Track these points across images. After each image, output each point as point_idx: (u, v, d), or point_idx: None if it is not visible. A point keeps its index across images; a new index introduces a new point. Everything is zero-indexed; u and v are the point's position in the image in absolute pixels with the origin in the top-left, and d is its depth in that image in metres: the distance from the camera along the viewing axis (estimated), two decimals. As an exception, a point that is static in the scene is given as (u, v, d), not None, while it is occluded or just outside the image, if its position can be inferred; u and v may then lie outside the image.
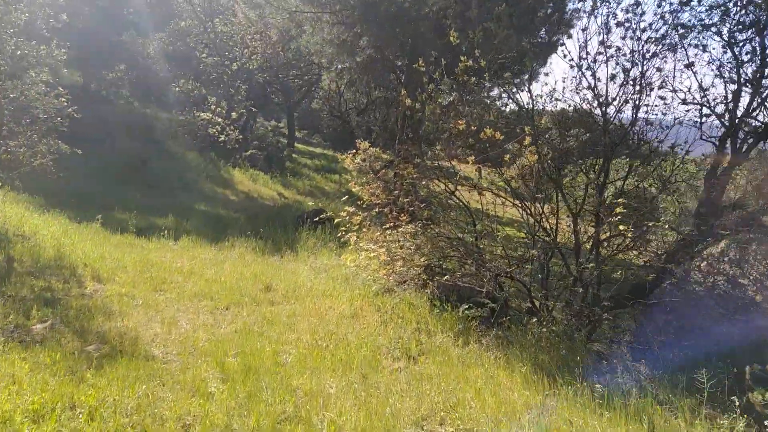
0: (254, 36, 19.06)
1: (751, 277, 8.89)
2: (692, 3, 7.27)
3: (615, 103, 6.54)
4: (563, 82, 6.79)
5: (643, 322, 6.82)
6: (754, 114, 7.57)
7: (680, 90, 7.19)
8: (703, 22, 7.29)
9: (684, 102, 7.38)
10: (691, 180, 7.69)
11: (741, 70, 7.51)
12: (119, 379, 3.85)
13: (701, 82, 7.38)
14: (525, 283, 6.46)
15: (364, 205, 7.81)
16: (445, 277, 6.41)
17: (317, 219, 10.76)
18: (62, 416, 3.28)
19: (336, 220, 8.46)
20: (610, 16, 6.32)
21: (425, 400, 4.00)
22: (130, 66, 20.63)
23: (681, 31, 6.82)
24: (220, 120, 18.92)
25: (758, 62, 7.45)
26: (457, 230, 7.06)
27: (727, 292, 8.77)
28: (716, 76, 7.56)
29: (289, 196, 18.12)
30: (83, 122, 12.06)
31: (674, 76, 6.71)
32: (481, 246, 6.87)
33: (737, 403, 3.77)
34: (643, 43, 6.30)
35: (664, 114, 6.85)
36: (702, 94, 7.45)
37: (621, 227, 5.96)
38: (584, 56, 6.52)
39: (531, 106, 6.59)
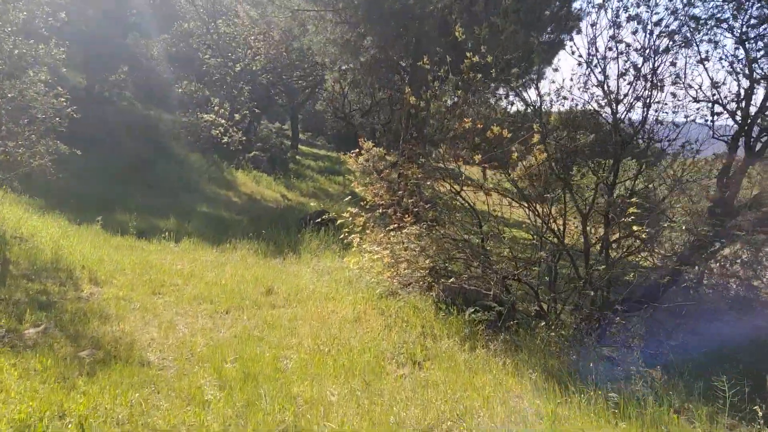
0: (257, 37, 18.98)
1: (765, 279, 8.68)
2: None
3: (625, 100, 6.38)
4: (571, 80, 6.64)
5: (654, 326, 6.63)
6: (768, 112, 7.39)
7: (692, 87, 7.03)
8: (715, 17, 7.11)
9: (695, 100, 7.21)
10: (703, 179, 7.49)
11: (754, 66, 7.32)
12: (112, 386, 3.69)
13: (713, 78, 7.21)
14: (533, 285, 6.28)
15: (367, 206, 7.65)
16: (451, 280, 6.24)
17: (320, 220, 10.62)
18: (50, 426, 3.13)
19: (339, 221, 8.31)
20: (621, 9, 6.15)
21: (431, 408, 3.82)
22: (133, 67, 20.57)
23: (693, 24, 6.64)
24: (223, 121, 18.82)
25: (772, 58, 7.28)
26: (462, 231, 6.89)
27: (740, 295, 8.57)
28: (729, 73, 7.39)
29: (293, 197, 18.00)
30: (86, 123, 11.97)
31: (686, 73, 6.55)
32: (488, 248, 6.70)
33: (760, 413, 3.59)
34: (655, 37, 6.13)
35: (675, 112, 6.68)
36: (713, 92, 7.28)
37: (635, 228, 5.77)
38: (593, 52, 6.36)
39: (539, 103, 6.42)
